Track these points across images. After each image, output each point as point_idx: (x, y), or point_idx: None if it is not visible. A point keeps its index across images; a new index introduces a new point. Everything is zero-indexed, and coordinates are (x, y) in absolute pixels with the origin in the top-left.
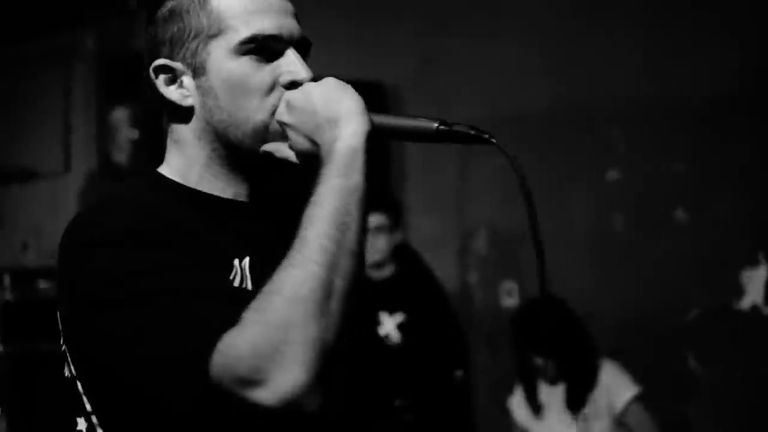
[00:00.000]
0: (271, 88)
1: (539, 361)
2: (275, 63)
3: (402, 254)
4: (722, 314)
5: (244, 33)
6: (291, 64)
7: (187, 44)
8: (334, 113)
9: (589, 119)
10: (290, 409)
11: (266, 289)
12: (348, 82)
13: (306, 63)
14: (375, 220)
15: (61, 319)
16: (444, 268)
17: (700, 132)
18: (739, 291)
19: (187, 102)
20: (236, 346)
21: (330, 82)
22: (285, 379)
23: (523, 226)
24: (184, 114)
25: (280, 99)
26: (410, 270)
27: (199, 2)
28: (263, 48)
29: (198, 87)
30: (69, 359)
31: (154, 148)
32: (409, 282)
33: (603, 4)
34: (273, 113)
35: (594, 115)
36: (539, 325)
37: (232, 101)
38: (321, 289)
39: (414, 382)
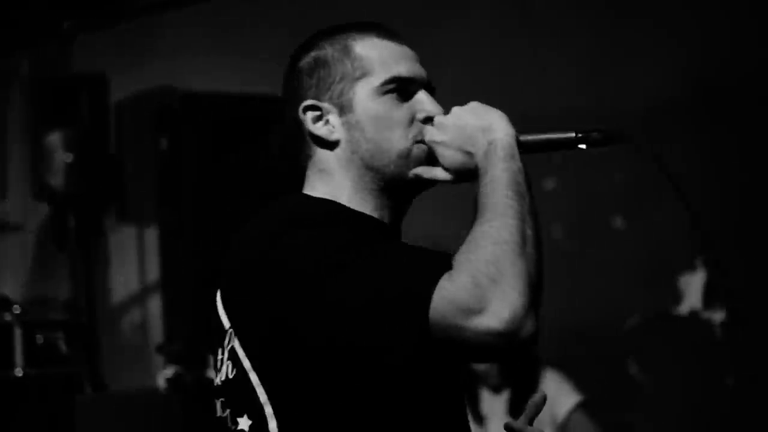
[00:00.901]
0: (410, 122)
1: (482, 369)
2: (410, 102)
3: None
4: (662, 320)
5: (385, 76)
6: (425, 102)
7: (333, 86)
8: (485, 122)
9: (526, 129)
10: (512, 331)
11: (469, 239)
12: (277, 97)
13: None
14: None
15: (237, 314)
16: None
17: (638, 139)
18: (678, 297)
19: (334, 136)
20: (457, 282)
21: (475, 103)
22: (505, 303)
23: (460, 237)
24: (330, 147)
25: (419, 131)
26: None
27: (343, 50)
28: (401, 89)
29: (344, 123)
30: (241, 354)
31: (88, 172)
32: None
33: (537, 17)
34: (414, 142)
35: (530, 125)
36: None
37: (378, 133)
38: (518, 234)
39: None
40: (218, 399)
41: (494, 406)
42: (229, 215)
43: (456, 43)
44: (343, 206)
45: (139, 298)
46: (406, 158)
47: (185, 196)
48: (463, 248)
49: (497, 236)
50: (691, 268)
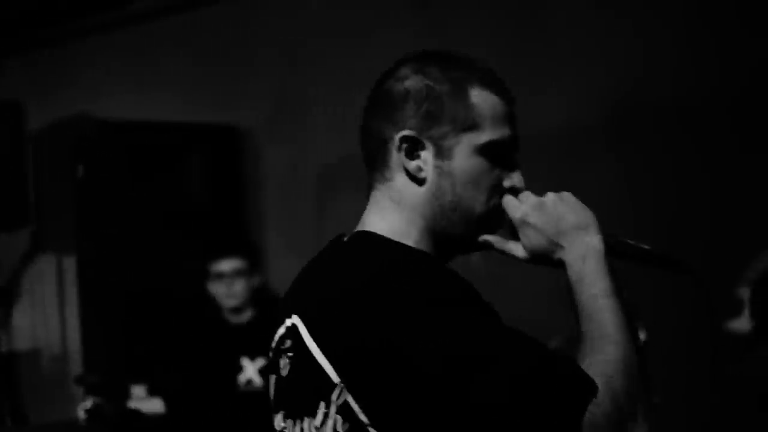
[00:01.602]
0: (495, 189)
1: None
2: (499, 168)
3: (262, 298)
4: (577, 343)
5: (493, 136)
6: (517, 175)
7: (438, 127)
8: (583, 220)
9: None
10: None
11: (603, 359)
12: (203, 125)
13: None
14: (232, 264)
15: (355, 375)
16: None
17: (550, 161)
18: None
19: (421, 175)
20: (606, 416)
21: (570, 195)
22: None
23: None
24: (415, 182)
25: (499, 198)
26: (270, 314)
27: (459, 93)
28: (499, 154)
29: (437, 167)
30: (356, 409)
31: (4, 201)
32: (270, 326)
33: (456, 41)
34: (493, 209)
35: None
36: None
37: (464, 190)
38: (636, 369)
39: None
40: None
41: None
42: (147, 243)
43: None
44: (439, 262)
45: (58, 329)
46: (482, 223)
47: (103, 225)
48: (600, 368)
49: (628, 364)
50: None
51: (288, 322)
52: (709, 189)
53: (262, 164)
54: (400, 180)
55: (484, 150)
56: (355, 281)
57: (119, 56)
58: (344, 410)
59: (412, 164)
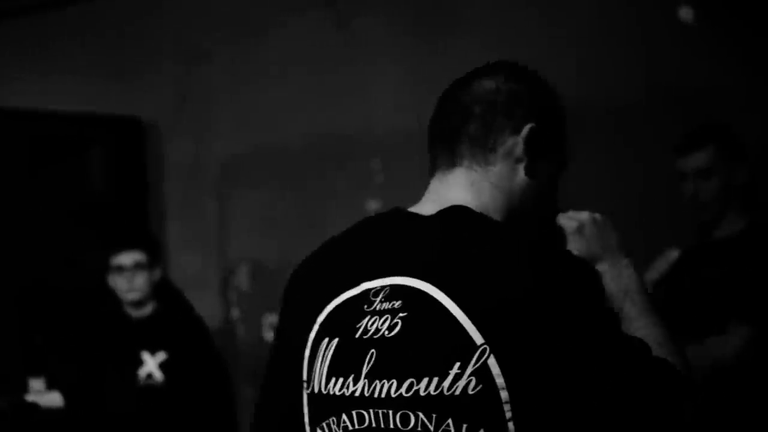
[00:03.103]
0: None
1: None
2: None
3: (163, 292)
4: None
5: (565, 159)
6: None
7: (557, 138)
8: (621, 243)
9: (349, 151)
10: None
11: (676, 349)
12: (105, 116)
13: None
14: (133, 257)
15: (503, 336)
16: (206, 305)
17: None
18: None
19: (525, 174)
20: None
21: (609, 219)
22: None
23: (281, 260)
24: (519, 173)
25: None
26: (171, 307)
27: (562, 118)
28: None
29: (537, 171)
30: (495, 372)
31: None
32: (170, 320)
33: (362, 38)
34: (549, 218)
35: (354, 146)
36: None
37: (549, 196)
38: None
39: (178, 421)
40: (440, 410)
41: None
42: (46, 233)
43: (275, 60)
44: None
45: None
46: (540, 224)
47: (1, 214)
48: (676, 359)
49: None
50: None
51: (383, 283)
52: (612, 188)
53: (165, 157)
54: (508, 169)
55: (562, 168)
56: (489, 246)
57: (20, 44)
58: (480, 372)
59: (521, 152)
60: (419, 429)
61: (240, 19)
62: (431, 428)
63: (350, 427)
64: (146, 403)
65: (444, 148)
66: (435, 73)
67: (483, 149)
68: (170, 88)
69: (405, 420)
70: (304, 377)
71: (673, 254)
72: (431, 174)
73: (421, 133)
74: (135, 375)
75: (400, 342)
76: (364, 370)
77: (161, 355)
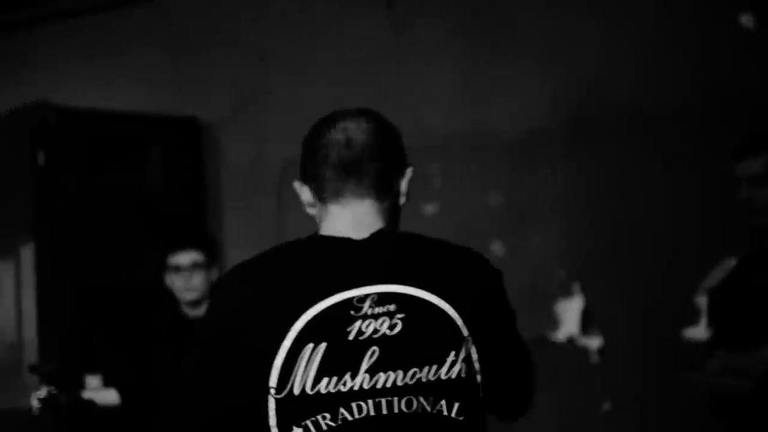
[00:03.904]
0: None
1: None
2: None
3: None
4: (538, 346)
5: None
6: None
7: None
8: None
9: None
10: None
11: None
12: (163, 116)
13: None
14: (190, 257)
15: (479, 329)
16: None
17: (515, 165)
18: (554, 322)
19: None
20: None
21: None
22: None
23: None
24: (400, 200)
25: None
26: None
27: None
28: None
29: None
30: (474, 359)
31: None
32: None
33: (420, 42)
34: None
35: (411, 149)
36: None
37: None
38: None
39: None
40: (436, 393)
41: None
42: (105, 232)
43: (333, 63)
44: None
45: (13, 317)
46: None
47: (62, 212)
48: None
49: None
50: (567, 294)
51: (365, 291)
52: (669, 194)
53: (223, 157)
54: (400, 200)
55: None
56: (444, 254)
57: (83, 44)
58: (467, 359)
59: (406, 188)
60: (419, 411)
61: (298, 20)
62: (428, 409)
63: (349, 418)
64: None
65: (347, 180)
66: (492, 77)
67: (391, 188)
68: (229, 88)
69: (409, 404)
70: (273, 384)
71: (731, 262)
72: (326, 201)
73: (477, 137)
74: None
75: (403, 338)
76: (363, 367)
77: None
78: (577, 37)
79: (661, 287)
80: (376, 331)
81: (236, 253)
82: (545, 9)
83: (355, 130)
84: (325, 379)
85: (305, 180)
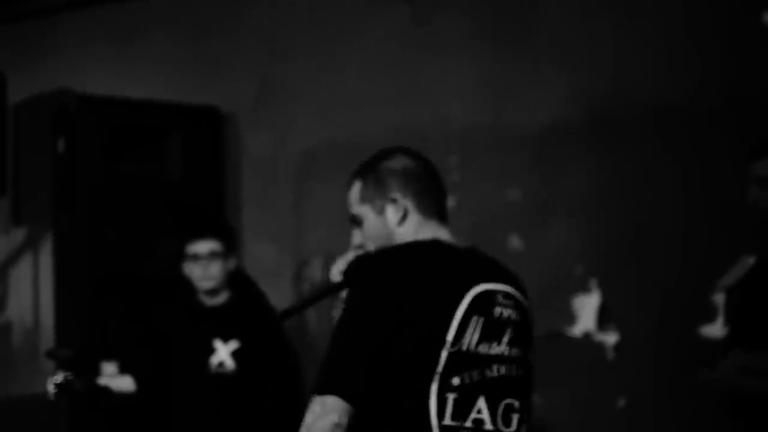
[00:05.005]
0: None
1: None
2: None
3: (237, 281)
4: (555, 341)
5: None
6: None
7: None
8: None
9: (425, 147)
10: None
11: None
12: (183, 105)
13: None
14: (209, 246)
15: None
16: (280, 295)
17: (534, 160)
18: (571, 318)
19: None
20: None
21: None
22: None
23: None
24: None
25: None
26: (245, 297)
27: None
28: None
29: None
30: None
31: None
32: (243, 309)
33: (441, 36)
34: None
35: (430, 143)
36: None
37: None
38: None
39: (248, 409)
40: (523, 366)
41: None
42: (123, 219)
43: (354, 56)
44: None
45: (31, 302)
46: None
47: (81, 200)
48: None
49: None
50: (584, 289)
51: (495, 287)
52: (687, 192)
53: (243, 147)
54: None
55: None
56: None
57: (104, 31)
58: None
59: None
60: (519, 375)
61: (322, 14)
62: (521, 375)
63: (493, 375)
64: (215, 391)
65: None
66: (512, 72)
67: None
68: (250, 79)
69: (517, 370)
70: (449, 338)
71: (749, 261)
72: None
73: (496, 132)
74: (206, 363)
75: (521, 325)
76: (505, 339)
77: (233, 344)
78: (597, 35)
79: (677, 284)
80: (509, 315)
81: (253, 243)
82: (565, 7)
83: (428, 164)
84: (484, 343)
85: (403, 198)
